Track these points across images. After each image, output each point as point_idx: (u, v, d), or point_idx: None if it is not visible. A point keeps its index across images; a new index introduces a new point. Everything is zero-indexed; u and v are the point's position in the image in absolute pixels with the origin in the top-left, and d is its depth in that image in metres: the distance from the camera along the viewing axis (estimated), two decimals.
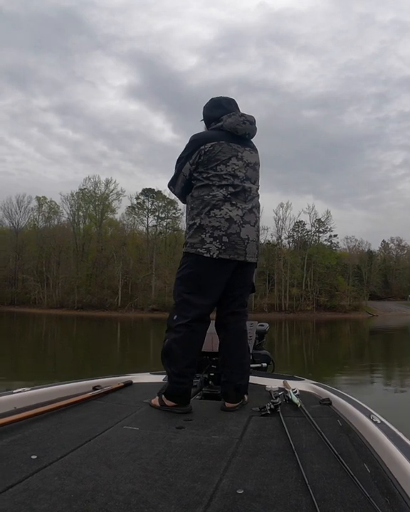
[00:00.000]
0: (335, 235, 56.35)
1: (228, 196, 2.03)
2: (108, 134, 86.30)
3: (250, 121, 2.16)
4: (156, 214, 54.22)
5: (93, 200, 53.17)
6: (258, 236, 2.14)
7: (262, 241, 54.67)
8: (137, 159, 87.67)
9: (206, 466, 1.26)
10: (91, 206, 53.67)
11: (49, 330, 26.63)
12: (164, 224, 55.44)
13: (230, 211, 2.01)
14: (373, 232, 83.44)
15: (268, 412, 1.84)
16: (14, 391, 1.89)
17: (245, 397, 2.08)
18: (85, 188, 53.08)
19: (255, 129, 2.20)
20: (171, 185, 2.22)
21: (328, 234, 56.01)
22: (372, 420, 1.53)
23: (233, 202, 2.03)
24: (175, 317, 2.03)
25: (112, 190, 53.44)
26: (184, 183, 2.15)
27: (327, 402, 2.00)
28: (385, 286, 63.61)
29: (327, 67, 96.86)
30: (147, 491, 1.08)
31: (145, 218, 55.35)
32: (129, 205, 54.24)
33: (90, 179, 53.29)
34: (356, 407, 1.75)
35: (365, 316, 49.84)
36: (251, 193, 2.11)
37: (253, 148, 2.19)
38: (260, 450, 1.41)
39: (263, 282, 51.66)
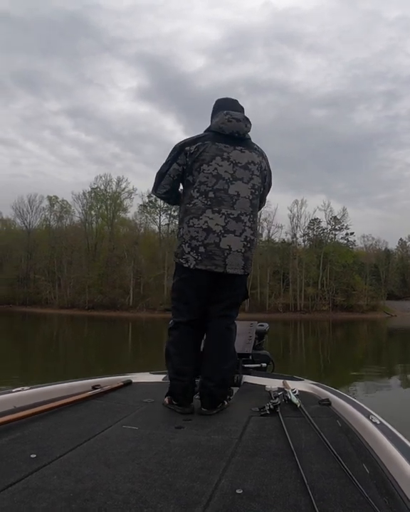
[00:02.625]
0: (352, 233, 55.24)
1: (209, 203, 1.98)
2: (120, 136, 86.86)
3: (237, 119, 2.07)
4: (169, 212, 53.37)
5: (105, 199, 52.84)
6: (246, 246, 2.03)
7: (276, 239, 54.02)
8: (150, 161, 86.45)
9: (205, 466, 1.26)
10: (103, 205, 53.38)
11: (60, 331, 26.50)
12: (177, 222, 54.76)
13: (210, 219, 1.97)
14: (389, 231, 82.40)
15: (268, 412, 1.82)
16: (13, 390, 1.87)
17: (225, 402, 2.03)
18: (96, 187, 52.87)
19: (245, 126, 2.10)
20: (154, 189, 2.19)
21: (344, 232, 54.96)
22: (371, 421, 1.52)
23: (215, 208, 1.98)
24: (170, 322, 2.12)
25: (124, 188, 53.04)
26: (170, 184, 2.12)
27: (327, 403, 1.98)
28: (403, 286, 62.17)
29: (335, 65, 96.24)
30: (146, 491, 1.09)
31: (157, 217, 54.46)
32: (141, 203, 53.72)
33: (101, 177, 53.09)
34: (355, 408, 1.74)
35: (383, 316, 49.15)
36: (241, 195, 2.02)
37: (248, 147, 2.09)
38: (260, 450, 1.41)
39: (278, 282, 50.96)
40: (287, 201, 79.39)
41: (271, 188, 2.31)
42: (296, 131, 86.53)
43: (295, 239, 54.54)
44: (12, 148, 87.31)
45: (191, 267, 1.98)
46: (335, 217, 54.04)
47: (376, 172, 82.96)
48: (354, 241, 56.72)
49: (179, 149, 2.06)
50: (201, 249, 1.96)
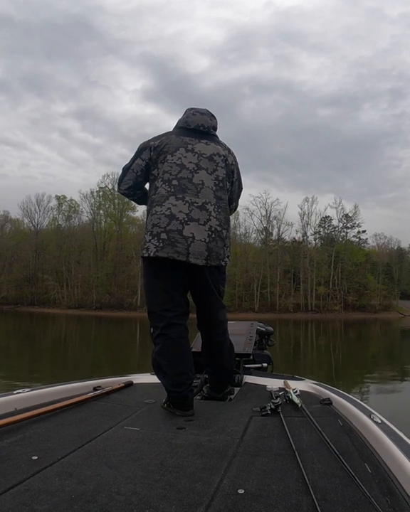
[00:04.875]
0: (364, 231, 54.20)
1: (172, 191, 1.94)
2: (127, 138, 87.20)
3: (201, 113, 2.13)
4: None
5: (113, 198, 52.52)
6: (211, 236, 1.95)
7: (287, 238, 53.16)
8: None
9: (206, 467, 1.27)
10: (111, 204, 53.11)
11: (68, 331, 26.26)
12: None
13: (173, 206, 1.92)
14: (400, 230, 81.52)
15: (269, 412, 1.82)
16: (14, 392, 1.87)
17: (229, 396, 2.18)
18: (104, 187, 52.59)
19: (209, 119, 2.13)
20: (118, 186, 2.18)
21: (356, 230, 53.96)
22: (373, 420, 1.53)
23: (179, 196, 1.94)
24: (151, 330, 2.03)
25: None
26: (133, 180, 2.10)
27: (328, 402, 1.98)
28: None
29: (339, 64, 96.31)
30: (148, 492, 1.10)
31: None
32: None
33: (108, 176, 52.70)
34: (356, 407, 1.73)
35: (396, 315, 48.48)
36: (205, 185, 1.98)
37: (214, 141, 2.11)
38: (261, 450, 1.42)
39: (288, 281, 50.17)
40: (297, 200, 78.80)
41: (243, 191, 2.28)
42: (302, 130, 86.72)
43: (305, 237, 53.73)
44: (21, 150, 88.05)
45: (151, 254, 1.89)
46: (347, 214, 53.17)
47: (384, 171, 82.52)
48: (366, 239, 55.91)
49: (144, 146, 2.07)
50: (163, 235, 1.89)
